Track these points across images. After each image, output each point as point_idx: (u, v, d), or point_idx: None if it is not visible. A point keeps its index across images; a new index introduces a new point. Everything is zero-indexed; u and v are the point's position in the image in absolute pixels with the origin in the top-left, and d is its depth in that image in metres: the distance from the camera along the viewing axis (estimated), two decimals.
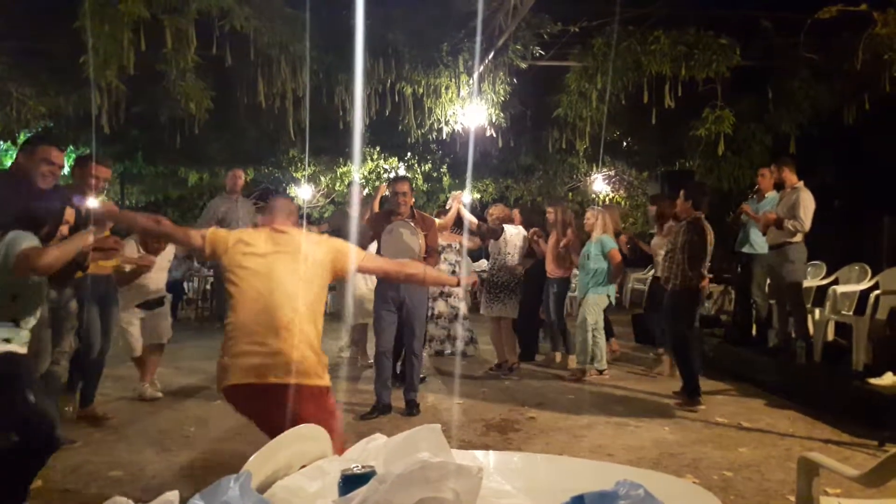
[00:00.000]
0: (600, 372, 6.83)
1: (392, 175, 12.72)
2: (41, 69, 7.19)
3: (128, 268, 5.24)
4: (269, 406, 2.71)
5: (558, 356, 7.62)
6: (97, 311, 4.75)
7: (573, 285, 8.28)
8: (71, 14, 6.12)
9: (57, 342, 4.04)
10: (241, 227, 6.43)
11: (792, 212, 6.08)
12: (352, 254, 3.10)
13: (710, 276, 6.21)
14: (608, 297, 6.87)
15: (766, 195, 6.89)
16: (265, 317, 2.76)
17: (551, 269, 7.37)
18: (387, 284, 5.32)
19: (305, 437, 1.58)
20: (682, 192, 5.92)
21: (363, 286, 6.93)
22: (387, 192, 5.89)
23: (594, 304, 6.80)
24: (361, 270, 3.32)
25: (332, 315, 11.89)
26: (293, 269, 2.86)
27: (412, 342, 5.38)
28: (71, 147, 9.45)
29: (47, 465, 3.17)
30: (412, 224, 5.30)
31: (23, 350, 3.10)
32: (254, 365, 2.71)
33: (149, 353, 5.75)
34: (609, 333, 7.45)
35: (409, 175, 11.28)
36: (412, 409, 5.38)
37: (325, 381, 2.84)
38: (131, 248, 5.37)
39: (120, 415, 5.17)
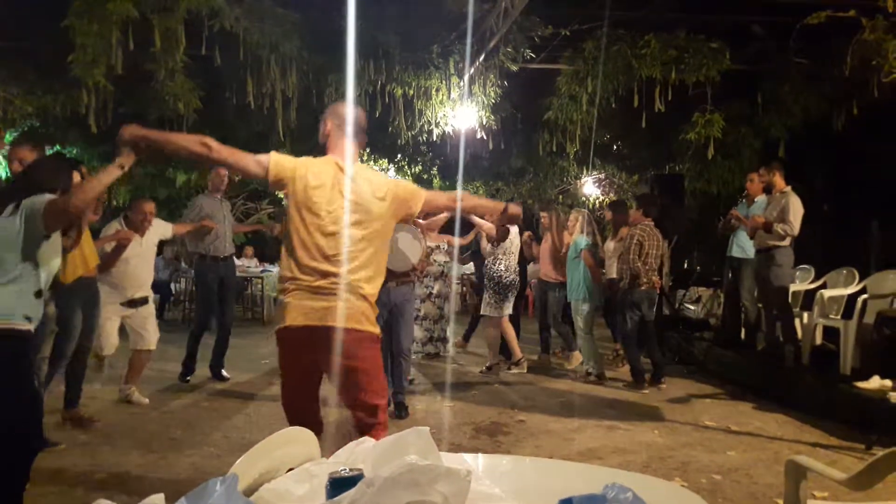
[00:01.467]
0: (597, 376, 6.83)
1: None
2: (28, 68, 7.14)
3: (108, 247, 5.13)
4: (323, 349, 2.62)
5: (557, 356, 7.71)
6: (80, 317, 4.61)
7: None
8: (58, 13, 6.08)
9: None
10: (224, 227, 6.34)
11: (781, 216, 6.11)
12: (419, 195, 2.87)
13: (659, 278, 6.88)
14: (586, 299, 6.84)
15: (755, 199, 6.95)
16: (327, 258, 2.65)
17: (549, 273, 7.39)
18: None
19: (293, 440, 1.56)
20: (635, 201, 6.65)
21: None
22: None
23: (577, 311, 6.92)
24: (433, 208, 3.04)
25: None
26: (356, 209, 2.70)
27: (400, 344, 5.39)
28: (58, 146, 9.38)
29: (31, 468, 3.12)
30: (414, 227, 5.37)
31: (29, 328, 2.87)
32: (314, 307, 2.62)
33: (136, 358, 5.63)
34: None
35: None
36: (401, 411, 5.37)
37: (377, 329, 2.78)
38: (111, 229, 5.28)
39: (105, 417, 5.13)
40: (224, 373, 6.59)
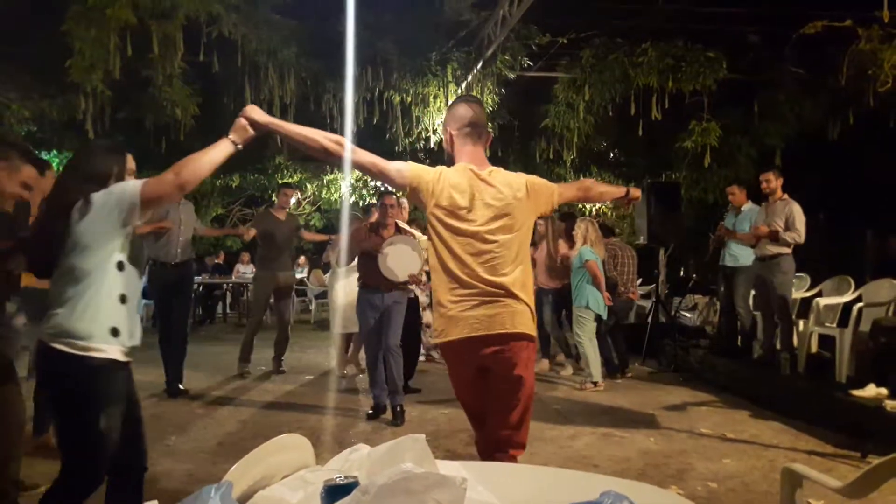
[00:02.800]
0: (594, 384, 6.78)
1: (379, 183, 12.72)
2: (25, 72, 7.13)
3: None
4: (492, 357, 2.60)
5: (547, 364, 7.68)
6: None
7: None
8: (56, 18, 6.08)
9: None
10: (177, 232, 6.09)
11: (788, 224, 6.13)
12: (553, 188, 2.85)
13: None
14: (588, 307, 6.81)
15: (741, 209, 7.02)
16: (485, 266, 2.60)
17: (544, 281, 7.40)
18: (370, 291, 5.40)
19: (287, 447, 1.56)
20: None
21: (342, 297, 6.88)
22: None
23: (577, 319, 6.89)
24: (565, 200, 2.96)
25: (318, 324, 11.83)
26: (501, 214, 2.65)
27: (388, 341, 5.41)
28: (55, 151, 9.38)
29: (21, 475, 3.11)
30: (414, 239, 5.45)
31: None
32: (480, 317, 2.58)
33: None
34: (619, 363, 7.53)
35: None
36: (398, 418, 5.37)
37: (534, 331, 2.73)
38: None
39: None
40: (181, 387, 6.19)
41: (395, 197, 5.75)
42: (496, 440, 2.69)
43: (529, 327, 2.63)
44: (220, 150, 2.49)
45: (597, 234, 7.04)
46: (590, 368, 6.80)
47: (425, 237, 6.00)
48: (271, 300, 7.40)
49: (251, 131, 2.51)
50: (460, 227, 2.62)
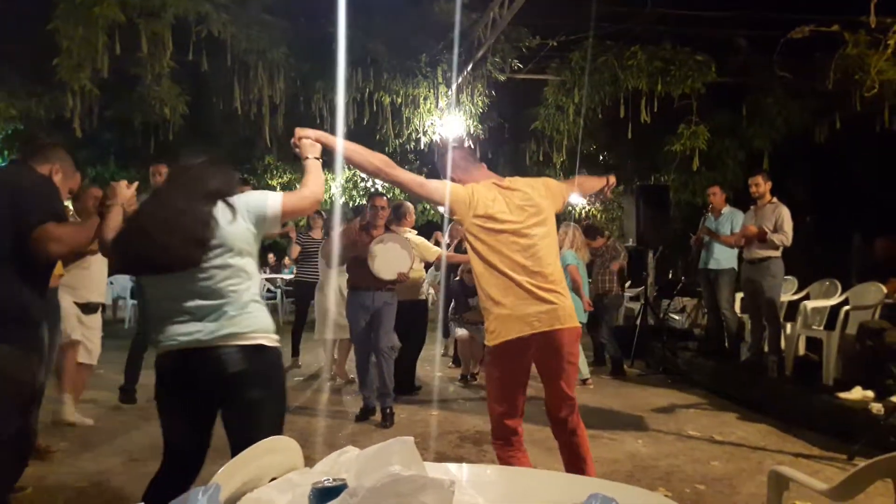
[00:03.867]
0: (583, 382, 6.82)
1: (370, 184, 12.70)
2: (12, 71, 7.07)
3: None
4: (549, 351, 2.85)
5: None
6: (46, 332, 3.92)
7: None
8: (44, 16, 6.03)
9: None
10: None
11: (776, 226, 6.17)
12: (563, 186, 3.21)
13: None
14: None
15: (721, 212, 7.07)
16: (531, 266, 2.83)
17: None
18: (361, 292, 5.39)
19: (275, 450, 1.55)
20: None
21: (332, 302, 6.81)
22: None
23: None
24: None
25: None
26: (533, 212, 2.93)
27: (379, 343, 5.41)
28: None
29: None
30: (404, 237, 5.45)
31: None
32: (536, 314, 2.78)
33: (79, 372, 5.10)
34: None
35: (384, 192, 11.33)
36: (387, 420, 5.37)
37: None
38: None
39: (85, 424, 5.06)
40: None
41: (386, 198, 5.75)
42: (570, 404, 3.05)
43: (575, 320, 2.91)
44: (319, 168, 2.60)
45: (582, 239, 7.18)
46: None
47: (418, 238, 6.01)
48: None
49: (318, 146, 2.63)
50: (501, 227, 2.85)
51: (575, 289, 6.76)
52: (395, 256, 5.30)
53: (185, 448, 2.49)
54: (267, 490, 1.40)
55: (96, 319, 5.14)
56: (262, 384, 2.34)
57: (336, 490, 1.23)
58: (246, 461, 1.44)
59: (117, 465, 4.21)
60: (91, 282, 4.99)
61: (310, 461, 1.57)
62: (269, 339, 2.36)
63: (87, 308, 5.01)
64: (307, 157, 2.56)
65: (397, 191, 11.95)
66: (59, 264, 3.99)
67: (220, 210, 2.32)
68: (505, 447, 3.04)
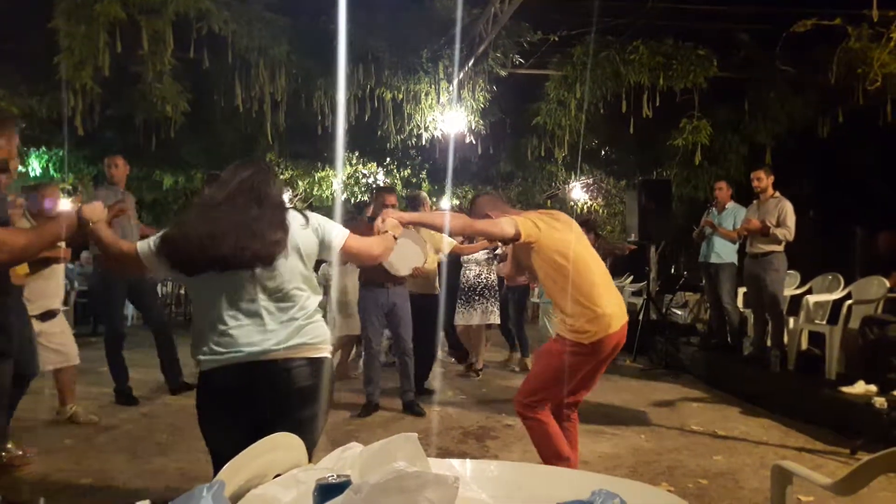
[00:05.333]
0: None
1: (371, 180, 12.70)
2: (13, 69, 7.08)
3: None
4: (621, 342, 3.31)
5: (516, 357, 7.91)
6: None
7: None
8: (45, 14, 6.03)
9: None
10: (129, 223, 5.63)
11: (780, 220, 6.17)
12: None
13: None
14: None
15: (725, 207, 7.07)
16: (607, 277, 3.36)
17: (511, 279, 7.48)
18: (375, 290, 5.44)
19: (280, 446, 1.56)
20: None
21: (334, 298, 6.78)
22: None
23: (547, 313, 7.30)
24: None
25: None
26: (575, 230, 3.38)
27: (405, 344, 5.49)
28: (43, 148, 9.31)
29: (14, 475, 3.09)
30: (416, 231, 5.42)
31: None
32: (619, 311, 3.27)
33: (62, 378, 5.00)
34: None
35: (394, 185, 11.35)
36: (413, 408, 5.50)
37: None
38: (22, 223, 4.36)
39: (91, 421, 5.08)
40: (187, 381, 5.92)
41: (395, 194, 5.71)
42: (574, 403, 3.54)
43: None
44: (392, 241, 2.76)
45: None
46: None
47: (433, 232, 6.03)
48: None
49: (401, 227, 2.84)
50: (571, 237, 3.27)
51: None
52: (409, 251, 5.23)
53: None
54: (271, 486, 1.40)
55: (58, 322, 4.91)
56: (319, 399, 2.32)
57: (340, 486, 1.23)
58: (250, 458, 1.44)
59: (121, 463, 4.23)
60: (50, 290, 4.78)
61: (314, 457, 1.57)
62: (329, 350, 2.37)
63: (48, 315, 4.76)
64: (393, 236, 2.75)
65: (399, 186, 11.98)
66: (25, 264, 3.77)
67: (292, 215, 2.34)
68: (539, 411, 3.36)
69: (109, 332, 5.93)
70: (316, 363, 2.28)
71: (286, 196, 2.62)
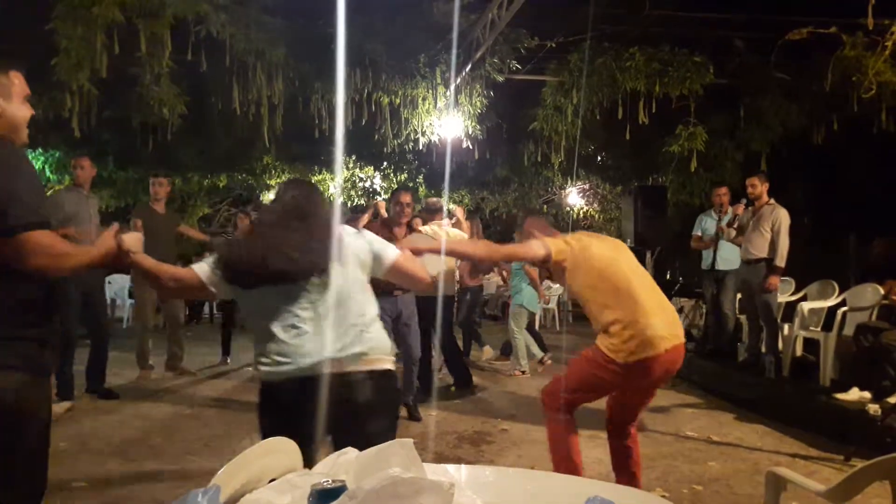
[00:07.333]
0: (522, 372, 7.43)
1: (368, 184, 12.69)
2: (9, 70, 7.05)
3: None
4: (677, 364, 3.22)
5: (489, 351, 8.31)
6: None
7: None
8: (42, 15, 6.02)
9: None
10: (89, 226, 5.56)
11: (773, 228, 6.18)
12: None
13: None
14: (522, 306, 7.43)
15: (727, 212, 7.09)
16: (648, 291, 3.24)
17: (466, 279, 7.52)
18: (382, 297, 5.38)
19: (275, 450, 1.56)
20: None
21: None
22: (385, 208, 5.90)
23: (514, 314, 7.47)
24: None
25: None
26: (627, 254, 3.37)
27: (413, 352, 5.49)
28: (40, 150, 9.29)
29: None
30: (429, 237, 5.41)
31: None
32: (670, 334, 3.12)
33: None
34: (542, 348, 7.90)
35: (408, 185, 11.33)
36: (410, 413, 5.54)
37: None
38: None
39: (82, 423, 5.06)
40: (110, 390, 5.95)
41: (411, 194, 5.68)
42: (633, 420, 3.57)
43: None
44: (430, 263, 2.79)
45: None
46: (519, 358, 7.45)
47: (453, 230, 6.01)
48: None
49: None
50: (618, 270, 3.20)
51: (533, 284, 7.33)
52: (426, 258, 5.20)
53: None
54: (266, 491, 1.40)
55: None
56: (387, 413, 2.30)
57: (335, 492, 1.23)
58: (245, 462, 1.44)
59: (115, 466, 4.21)
60: None
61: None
62: (392, 362, 2.36)
63: None
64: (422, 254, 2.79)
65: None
66: None
67: (345, 227, 2.40)
68: (562, 411, 3.37)
69: (62, 338, 5.65)
70: (377, 376, 2.26)
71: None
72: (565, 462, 3.28)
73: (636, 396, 3.44)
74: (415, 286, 2.60)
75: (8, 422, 1.96)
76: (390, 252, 2.43)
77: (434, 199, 6.55)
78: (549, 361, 7.77)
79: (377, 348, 2.29)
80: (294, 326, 2.23)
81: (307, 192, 2.42)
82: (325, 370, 2.19)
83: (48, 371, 2.12)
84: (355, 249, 2.34)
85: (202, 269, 2.29)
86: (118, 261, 2.22)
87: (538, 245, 3.17)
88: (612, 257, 3.22)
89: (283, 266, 2.20)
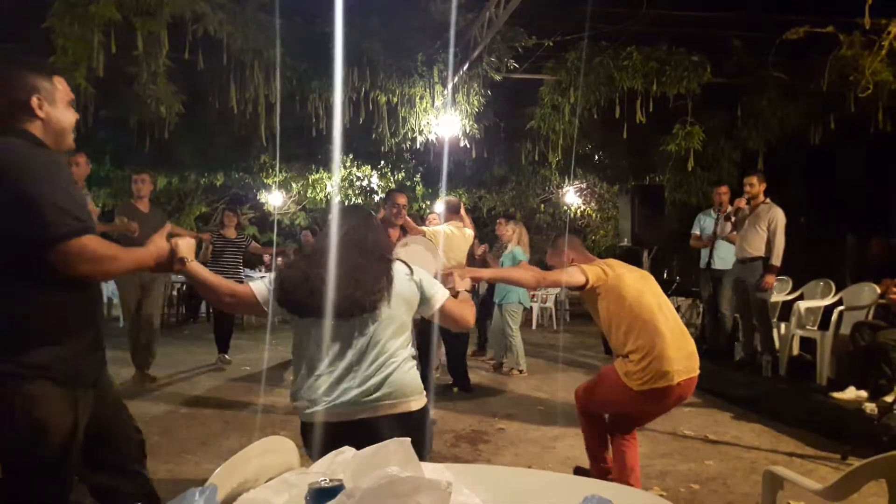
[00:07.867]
0: (520, 371, 7.45)
1: (365, 183, 12.68)
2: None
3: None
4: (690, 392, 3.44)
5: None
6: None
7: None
8: (39, 14, 6.01)
9: None
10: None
11: (769, 227, 6.19)
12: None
13: None
14: (519, 303, 7.47)
15: (726, 211, 7.10)
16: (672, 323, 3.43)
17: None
18: None
19: (272, 450, 1.56)
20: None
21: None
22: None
23: (509, 314, 7.43)
24: None
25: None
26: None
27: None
28: None
29: None
30: (426, 238, 5.40)
31: None
32: (679, 369, 3.30)
33: None
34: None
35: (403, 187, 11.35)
36: None
37: None
38: None
39: None
40: None
41: (406, 195, 5.66)
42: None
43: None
44: (471, 300, 2.78)
45: (527, 237, 7.83)
46: (518, 358, 7.46)
47: (445, 228, 5.98)
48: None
49: (468, 280, 2.89)
50: (638, 285, 3.42)
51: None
52: (421, 259, 5.18)
53: None
54: (263, 490, 1.40)
55: None
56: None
57: (333, 491, 1.23)
58: (243, 462, 1.44)
59: None
60: None
61: (306, 461, 1.57)
62: (423, 399, 2.39)
63: None
64: (458, 292, 2.74)
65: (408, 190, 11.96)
66: None
67: (397, 265, 2.40)
68: (594, 414, 3.69)
69: None
70: (403, 419, 2.29)
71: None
72: (593, 459, 3.69)
73: (643, 418, 3.74)
74: (456, 328, 2.61)
75: (26, 432, 1.95)
76: (439, 296, 2.47)
77: (454, 199, 6.60)
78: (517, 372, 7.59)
79: (403, 390, 2.31)
80: (331, 362, 2.26)
81: (366, 224, 2.45)
82: (354, 416, 2.23)
83: (75, 380, 2.04)
84: (404, 292, 2.38)
85: (259, 287, 2.34)
86: (168, 266, 2.19)
87: (579, 273, 3.40)
88: (641, 289, 3.40)
89: (334, 299, 2.24)
